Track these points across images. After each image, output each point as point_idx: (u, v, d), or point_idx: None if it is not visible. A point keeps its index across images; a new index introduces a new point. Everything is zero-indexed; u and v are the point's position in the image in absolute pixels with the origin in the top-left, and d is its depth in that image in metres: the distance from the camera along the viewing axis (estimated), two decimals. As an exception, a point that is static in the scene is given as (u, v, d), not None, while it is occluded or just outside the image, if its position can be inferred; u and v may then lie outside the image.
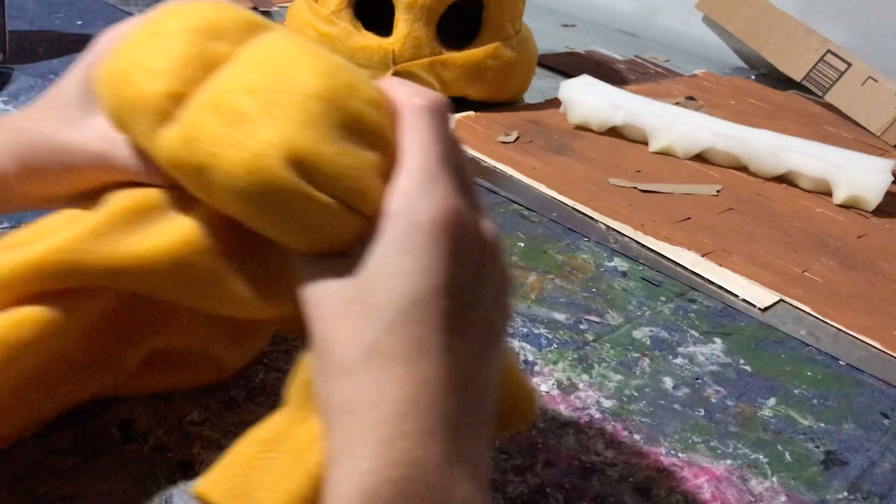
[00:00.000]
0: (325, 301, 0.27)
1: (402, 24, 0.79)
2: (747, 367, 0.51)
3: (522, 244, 0.61)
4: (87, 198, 0.34)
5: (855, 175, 0.73)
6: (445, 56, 0.81)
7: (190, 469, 0.37)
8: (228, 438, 0.39)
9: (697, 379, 0.49)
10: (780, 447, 0.44)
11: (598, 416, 0.44)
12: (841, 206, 0.75)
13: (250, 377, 0.43)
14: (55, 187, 0.35)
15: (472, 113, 0.84)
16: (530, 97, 0.92)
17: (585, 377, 0.47)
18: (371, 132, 0.27)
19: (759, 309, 0.57)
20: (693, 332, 0.53)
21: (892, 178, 0.73)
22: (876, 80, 1.00)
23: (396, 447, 0.25)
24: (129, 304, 0.37)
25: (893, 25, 1.09)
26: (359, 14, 0.82)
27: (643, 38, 1.31)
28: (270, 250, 0.31)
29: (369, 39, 0.80)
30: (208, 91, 0.28)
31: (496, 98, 0.87)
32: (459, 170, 0.28)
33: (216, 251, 0.32)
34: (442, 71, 0.81)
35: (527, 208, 0.67)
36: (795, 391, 0.49)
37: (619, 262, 0.61)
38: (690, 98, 1.00)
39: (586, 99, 0.83)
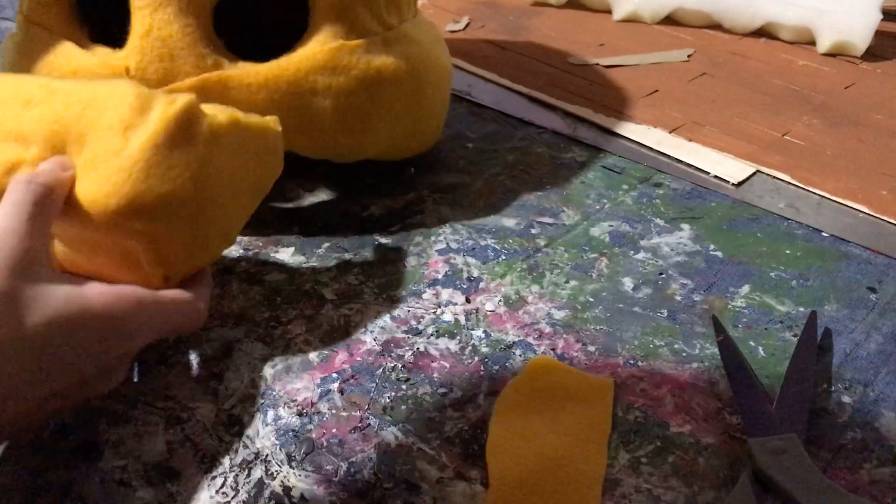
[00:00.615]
0: None
1: (139, 18, 0.41)
2: (718, 253, 0.46)
3: (471, 145, 0.56)
4: None
5: (839, 18, 0.66)
6: (231, 72, 0.42)
7: (94, 451, 0.34)
8: (138, 410, 0.36)
9: (661, 274, 0.44)
10: (752, 342, 0.40)
11: (548, 330, 0.40)
12: (826, 54, 0.68)
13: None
14: None
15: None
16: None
17: (536, 288, 0.43)
18: None
19: (733, 185, 0.52)
20: (658, 220, 0.48)
21: (880, 16, 0.66)
22: None
23: None
24: None
25: None
26: (85, 15, 0.45)
27: None
28: None
29: (87, 57, 0.43)
30: None
31: (355, 152, 0.47)
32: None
33: None
34: (229, 97, 0.42)
35: (477, 103, 0.61)
36: (772, 274, 0.44)
37: (577, 153, 0.55)
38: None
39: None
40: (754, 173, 0.53)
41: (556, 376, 0.37)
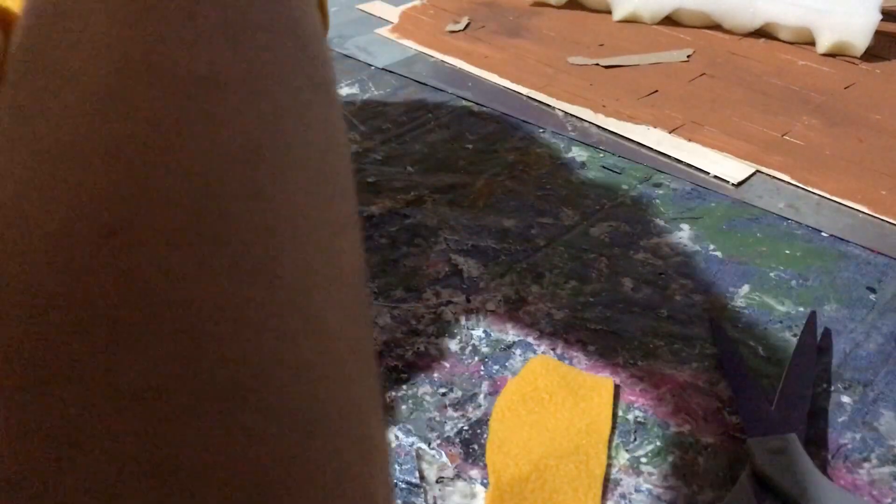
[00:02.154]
0: None
1: None
2: (717, 253, 0.46)
3: (470, 146, 0.56)
4: None
5: (839, 18, 0.66)
6: None
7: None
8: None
9: (661, 274, 0.44)
10: (752, 342, 0.40)
11: (548, 329, 0.40)
12: (826, 55, 0.68)
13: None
14: None
15: (417, 2, 0.77)
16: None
17: (535, 288, 0.43)
18: None
19: (733, 185, 0.52)
20: (658, 220, 0.49)
21: (880, 16, 0.66)
22: None
23: None
24: None
25: None
26: None
27: None
28: None
29: None
30: None
31: None
32: None
33: None
34: None
35: (477, 104, 0.61)
36: (772, 274, 0.45)
37: (577, 153, 0.55)
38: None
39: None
40: (754, 173, 0.53)
41: (557, 376, 0.37)
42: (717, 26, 0.72)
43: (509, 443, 0.34)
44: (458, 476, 0.33)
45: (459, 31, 0.72)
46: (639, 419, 0.36)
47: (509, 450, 0.34)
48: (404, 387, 0.37)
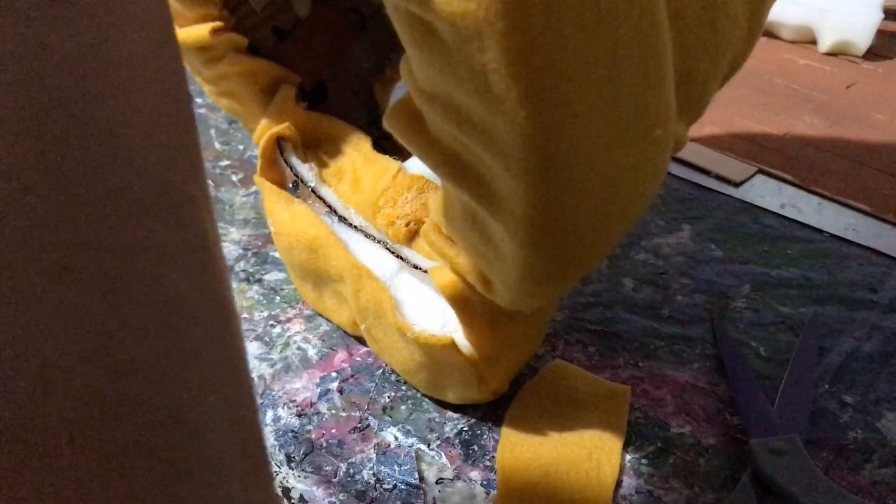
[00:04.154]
0: None
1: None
2: (718, 253, 0.46)
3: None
4: None
5: (840, 17, 0.66)
6: None
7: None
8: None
9: (662, 274, 0.44)
10: (754, 343, 0.40)
11: (548, 330, 0.40)
12: (827, 54, 0.68)
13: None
14: None
15: None
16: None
17: (536, 288, 0.43)
18: None
19: (734, 184, 0.52)
20: (658, 220, 0.48)
21: (882, 16, 0.66)
22: None
23: None
24: None
25: None
26: None
27: None
28: None
29: None
30: None
31: None
32: None
33: None
34: None
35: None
36: (773, 274, 0.44)
37: (577, 151, 0.55)
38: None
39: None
40: (755, 173, 0.53)
41: (573, 381, 0.37)
42: (718, 25, 0.72)
43: (521, 447, 0.34)
44: (457, 477, 0.33)
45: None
46: (639, 420, 0.36)
47: (521, 454, 0.33)
48: (404, 387, 0.37)
